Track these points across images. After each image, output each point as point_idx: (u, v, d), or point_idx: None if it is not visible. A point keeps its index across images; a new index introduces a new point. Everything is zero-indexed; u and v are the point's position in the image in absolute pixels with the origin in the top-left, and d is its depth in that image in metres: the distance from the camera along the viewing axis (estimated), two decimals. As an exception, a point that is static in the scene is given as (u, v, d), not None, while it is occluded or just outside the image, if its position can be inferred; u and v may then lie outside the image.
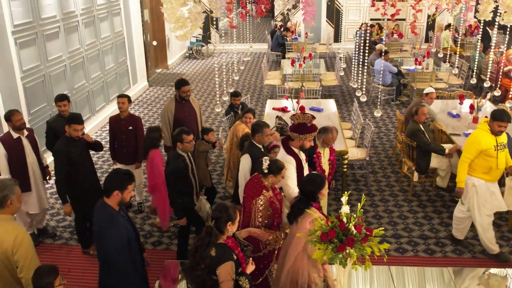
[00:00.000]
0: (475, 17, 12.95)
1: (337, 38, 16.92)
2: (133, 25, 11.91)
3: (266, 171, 4.27)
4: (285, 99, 8.73)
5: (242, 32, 12.82)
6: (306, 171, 4.97)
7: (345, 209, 3.28)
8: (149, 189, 6.07)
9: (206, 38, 16.63)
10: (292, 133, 4.80)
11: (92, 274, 5.20)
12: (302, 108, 7.95)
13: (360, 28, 14.95)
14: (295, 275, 3.96)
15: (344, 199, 3.29)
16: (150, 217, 6.61)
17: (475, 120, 7.53)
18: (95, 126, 9.80)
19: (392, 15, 5.23)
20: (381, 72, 10.40)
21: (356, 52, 13.09)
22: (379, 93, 9.49)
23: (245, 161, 5.19)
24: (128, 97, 6.51)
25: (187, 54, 16.55)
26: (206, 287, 3.51)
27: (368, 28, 14.28)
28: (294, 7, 16.10)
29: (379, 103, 7.03)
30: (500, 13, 4.81)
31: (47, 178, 6.08)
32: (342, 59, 9.48)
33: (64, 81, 8.61)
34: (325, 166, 5.51)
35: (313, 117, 4.84)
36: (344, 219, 3.26)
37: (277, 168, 4.28)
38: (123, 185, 3.73)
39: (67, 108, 6.04)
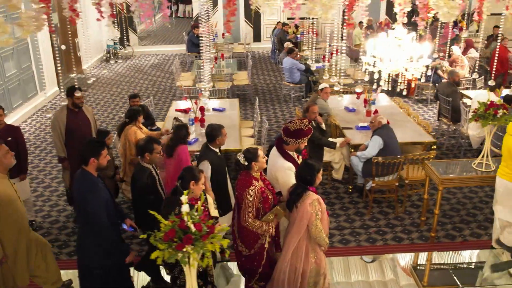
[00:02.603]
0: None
1: (258, 37, 17.10)
2: (38, 29, 11.47)
3: (246, 163, 4.28)
4: (184, 100, 8.68)
5: (162, 34, 12.71)
6: None
7: (185, 208, 3.29)
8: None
9: (123, 40, 16.31)
10: (288, 139, 4.70)
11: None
12: (202, 109, 8.00)
13: (275, 28, 15.21)
14: (294, 261, 4.07)
15: (184, 198, 3.30)
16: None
17: (368, 113, 7.82)
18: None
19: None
20: (289, 70, 10.62)
21: (272, 51, 13.31)
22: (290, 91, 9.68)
23: (205, 168, 5.07)
24: (2, 108, 6.14)
25: (104, 58, 16.17)
26: None
27: (282, 27, 14.56)
28: (213, 7, 16.14)
29: (290, 100, 7.14)
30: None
31: None
32: (262, 58, 9.57)
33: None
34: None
35: (310, 121, 4.77)
36: (185, 218, 3.28)
37: (253, 152, 4.31)
38: (96, 151, 4.17)
39: None
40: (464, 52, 11.68)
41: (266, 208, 4.31)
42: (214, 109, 8.43)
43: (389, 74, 4.56)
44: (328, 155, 7.11)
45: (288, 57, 10.89)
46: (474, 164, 5.84)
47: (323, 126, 7.08)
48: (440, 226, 6.25)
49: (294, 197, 4.09)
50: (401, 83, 4.80)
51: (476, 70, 11.35)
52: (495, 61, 5.90)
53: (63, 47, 6.78)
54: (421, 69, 4.55)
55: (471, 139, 7.91)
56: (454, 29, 15.47)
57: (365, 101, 8.16)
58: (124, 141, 6.45)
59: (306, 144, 4.99)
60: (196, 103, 7.75)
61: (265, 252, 4.41)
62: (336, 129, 7.79)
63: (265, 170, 4.66)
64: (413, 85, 11.12)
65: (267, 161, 4.57)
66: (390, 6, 16.74)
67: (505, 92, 8.35)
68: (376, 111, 7.60)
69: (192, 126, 7.57)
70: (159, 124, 8.24)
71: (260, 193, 4.26)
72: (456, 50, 10.92)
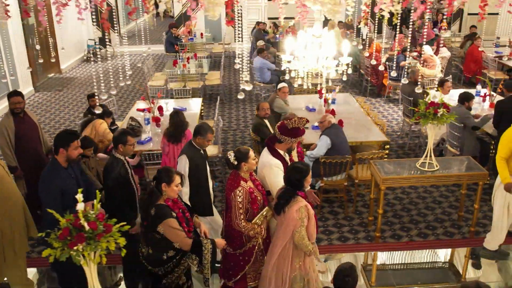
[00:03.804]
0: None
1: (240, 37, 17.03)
2: (11, 29, 11.47)
3: (236, 162, 4.23)
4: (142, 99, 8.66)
5: (146, 34, 12.67)
6: None
7: (80, 206, 3.27)
8: None
9: (104, 40, 16.28)
10: (283, 137, 4.59)
11: None
12: (160, 108, 7.99)
13: (254, 27, 15.18)
14: (280, 265, 4.05)
15: (78, 196, 3.28)
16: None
17: (331, 112, 7.77)
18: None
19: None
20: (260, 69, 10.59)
21: (251, 51, 13.29)
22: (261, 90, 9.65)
23: (182, 163, 4.94)
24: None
25: (85, 58, 16.16)
26: (150, 243, 3.97)
27: (258, 26, 14.53)
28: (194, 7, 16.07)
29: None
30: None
31: None
32: (240, 57, 9.53)
33: None
34: (295, 157, 5.24)
35: (307, 121, 4.69)
36: (80, 216, 3.25)
37: (244, 153, 4.25)
38: (66, 142, 4.27)
39: None
40: (437, 52, 11.64)
41: (254, 209, 4.26)
42: (175, 108, 8.38)
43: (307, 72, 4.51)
44: (282, 155, 7.07)
45: (258, 57, 10.86)
46: (418, 163, 5.80)
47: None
48: (388, 226, 6.22)
49: (282, 201, 4.03)
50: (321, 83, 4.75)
51: (443, 69, 11.35)
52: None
53: (38, 47, 6.74)
54: (342, 68, 4.52)
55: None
56: (434, 29, 15.44)
57: (325, 100, 8.12)
58: (90, 132, 6.52)
59: (297, 144, 4.90)
60: (153, 102, 7.73)
61: (255, 252, 4.39)
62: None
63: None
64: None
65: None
66: (372, 5, 16.68)
67: (452, 92, 8.34)
68: (332, 111, 7.57)
69: (148, 126, 7.57)
70: (118, 123, 8.21)
71: (249, 194, 4.21)
72: (428, 49, 10.86)
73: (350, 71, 4.76)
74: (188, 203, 4.97)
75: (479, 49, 11.55)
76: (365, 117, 7.81)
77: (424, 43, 10.31)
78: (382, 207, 5.79)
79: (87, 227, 3.24)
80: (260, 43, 12.23)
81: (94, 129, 6.65)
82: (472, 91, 8.38)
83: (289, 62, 4.39)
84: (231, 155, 4.26)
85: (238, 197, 4.15)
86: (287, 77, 5.11)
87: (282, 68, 4.58)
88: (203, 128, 5.10)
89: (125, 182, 4.73)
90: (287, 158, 4.76)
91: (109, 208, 4.70)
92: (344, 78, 4.91)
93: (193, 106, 8.62)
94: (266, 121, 6.99)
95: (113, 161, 4.75)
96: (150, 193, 4.03)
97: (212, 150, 7.33)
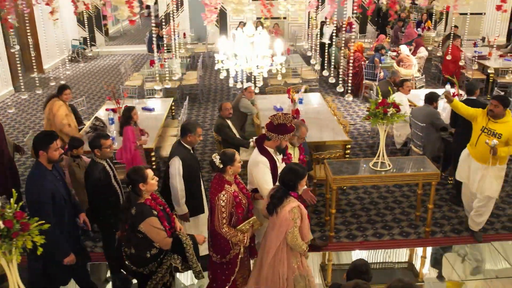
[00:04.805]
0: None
1: (225, 37, 17.06)
2: (-11, 29, 11.52)
3: (221, 165, 4.15)
4: (108, 99, 8.66)
5: (132, 34, 12.71)
6: None
7: (-6, 204, 3.28)
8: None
9: (89, 40, 16.29)
10: (270, 133, 4.55)
11: None
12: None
13: (237, 28, 15.18)
14: (277, 266, 4.01)
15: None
16: None
17: (293, 112, 7.77)
18: None
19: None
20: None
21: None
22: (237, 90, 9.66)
23: (176, 165, 4.88)
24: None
25: (69, 58, 16.18)
26: (132, 244, 3.98)
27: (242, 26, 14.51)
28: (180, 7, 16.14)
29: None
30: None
31: None
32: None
33: None
34: (296, 158, 5.25)
35: (294, 117, 4.65)
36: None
37: (230, 156, 4.16)
38: (44, 144, 4.19)
39: None
40: (415, 52, 11.63)
41: (239, 213, 4.18)
42: (143, 108, 8.42)
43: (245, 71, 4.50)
44: (244, 155, 7.07)
45: (234, 57, 10.85)
46: (371, 163, 5.80)
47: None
48: (345, 226, 6.22)
49: (275, 201, 3.98)
50: (256, 81, 4.75)
51: (420, 69, 11.34)
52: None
53: (17, 47, 6.75)
54: (276, 67, 4.52)
55: (395, 139, 7.87)
56: (418, 29, 15.44)
57: (292, 100, 8.11)
58: (48, 113, 6.73)
59: (287, 142, 4.84)
60: (118, 102, 7.73)
61: (239, 261, 4.30)
62: (259, 128, 7.77)
63: None
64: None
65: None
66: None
67: (413, 92, 8.36)
68: (297, 110, 7.57)
69: (112, 126, 7.57)
70: (87, 123, 8.22)
71: (233, 198, 4.13)
72: (404, 49, 10.86)
73: (284, 70, 4.76)
74: (185, 206, 4.99)
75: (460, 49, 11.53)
76: (330, 117, 7.81)
77: (403, 42, 10.32)
78: (334, 207, 5.77)
79: (2, 225, 3.25)
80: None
81: (52, 111, 6.64)
82: (441, 90, 8.40)
83: (222, 61, 4.39)
84: (216, 158, 4.17)
85: (222, 201, 4.08)
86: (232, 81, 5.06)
87: (216, 68, 4.57)
88: (191, 125, 5.07)
89: (106, 186, 4.68)
90: (278, 157, 4.71)
91: (93, 212, 4.82)
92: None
93: (163, 106, 8.62)
94: (229, 121, 6.98)
95: (93, 166, 4.71)
96: (128, 199, 4.05)
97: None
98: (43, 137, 4.29)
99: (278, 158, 4.73)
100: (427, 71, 13.68)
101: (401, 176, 5.65)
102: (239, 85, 4.88)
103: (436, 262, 5.75)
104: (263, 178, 4.47)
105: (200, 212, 5.23)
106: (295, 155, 5.24)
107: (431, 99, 7.14)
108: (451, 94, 7.41)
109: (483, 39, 14.75)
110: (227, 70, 4.38)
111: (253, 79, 4.70)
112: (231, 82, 4.72)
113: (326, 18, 13.25)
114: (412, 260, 5.90)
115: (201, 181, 5.26)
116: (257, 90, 4.98)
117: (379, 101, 5.41)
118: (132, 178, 3.96)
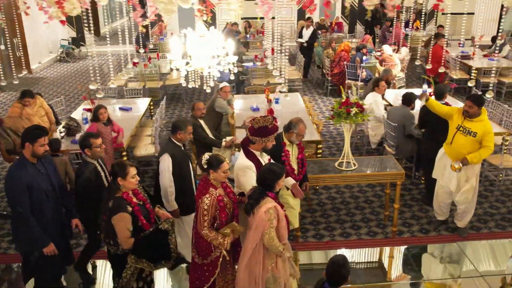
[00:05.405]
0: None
1: (214, 37, 17.09)
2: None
3: (205, 166, 4.12)
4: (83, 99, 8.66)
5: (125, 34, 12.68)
6: None
7: None
8: None
9: (78, 40, 16.35)
10: (254, 138, 4.55)
11: None
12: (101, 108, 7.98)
13: (225, 27, 15.19)
14: (253, 267, 4.01)
15: None
16: None
17: (267, 112, 7.78)
18: None
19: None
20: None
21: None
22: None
23: (165, 161, 4.88)
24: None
25: (58, 58, 16.21)
26: (109, 236, 4.04)
27: (230, 26, 14.53)
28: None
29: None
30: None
31: None
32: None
33: None
34: (294, 164, 5.22)
35: (274, 118, 4.65)
36: None
37: (216, 161, 4.09)
38: (33, 138, 4.23)
39: None
40: (397, 52, 11.61)
41: (222, 218, 4.14)
42: (121, 108, 8.43)
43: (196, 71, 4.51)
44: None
45: (216, 57, 10.85)
46: (336, 163, 5.80)
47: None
48: (313, 226, 6.21)
49: (252, 201, 3.99)
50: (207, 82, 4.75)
51: (403, 69, 11.33)
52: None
53: (2, 47, 6.75)
54: (228, 66, 4.52)
55: (370, 139, 7.87)
56: (406, 29, 15.40)
57: (269, 100, 8.12)
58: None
59: (274, 143, 4.79)
60: (92, 102, 7.74)
61: (219, 263, 4.25)
62: (233, 128, 7.76)
63: None
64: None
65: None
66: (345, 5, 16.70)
67: (388, 92, 8.36)
68: (271, 110, 7.56)
69: (86, 125, 7.57)
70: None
71: (217, 202, 4.09)
72: (387, 49, 10.85)
73: (235, 70, 4.76)
74: (174, 203, 4.98)
75: (445, 48, 11.51)
76: (306, 116, 7.79)
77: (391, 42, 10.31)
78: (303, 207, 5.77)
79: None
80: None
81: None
82: (419, 90, 8.41)
83: (173, 61, 4.40)
84: (205, 157, 4.14)
85: (205, 204, 4.04)
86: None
87: (167, 68, 4.58)
88: (181, 122, 5.08)
89: (96, 186, 4.60)
90: (265, 158, 4.71)
91: (83, 211, 4.74)
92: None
93: (140, 106, 8.63)
94: (202, 121, 6.97)
95: (83, 166, 4.68)
96: (108, 188, 4.14)
97: (148, 149, 7.36)
98: (33, 130, 4.37)
99: (265, 159, 4.73)
100: (413, 70, 13.69)
101: (365, 175, 5.66)
102: (191, 85, 4.87)
103: (403, 262, 5.75)
104: (249, 183, 4.45)
105: (192, 211, 5.14)
106: (293, 153, 5.21)
107: (408, 100, 7.11)
108: (428, 93, 7.42)
109: (472, 39, 14.75)
110: (177, 70, 4.37)
111: (205, 80, 4.69)
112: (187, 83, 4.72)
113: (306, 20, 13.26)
114: (380, 260, 5.90)
115: (193, 179, 5.21)
116: (209, 90, 4.99)
117: (343, 100, 5.40)
118: (114, 170, 4.05)
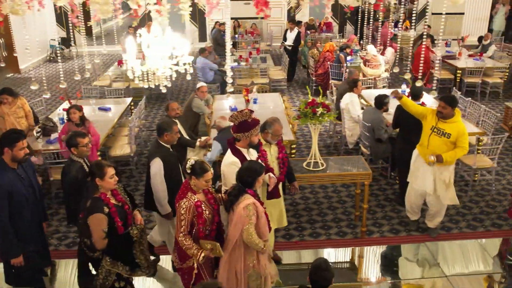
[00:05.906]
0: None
1: (204, 37, 17.11)
2: (-40, 29, 11.55)
3: (188, 171, 4.02)
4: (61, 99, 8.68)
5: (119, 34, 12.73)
6: None
7: None
8: None
9: (67, 40, 16.36)
10: (237, 134, 4.55)
11: None
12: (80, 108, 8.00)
13: (214, 27, 15.21)
14: (233, 263, 4.03)
15: None
16: None
17: (246, 112, 7.79)
18: None
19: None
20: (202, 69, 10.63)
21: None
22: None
23: (157, 165, 4.84)
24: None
25: (48, 58, 16.24)
26: (84, 236, 4.02)
27: (219, 26, 14.54)
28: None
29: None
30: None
31: None
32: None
33: None
34: (273, 164, 5.10)
35: (251, 111, 4.64)
36: None
37: (201, 169, 3.97)
38: (11, 142, 4.17)
39: None
40: (383, 52, 11.62)
41: (200, 224, 3.98)
42: (100, 108, 8.44)
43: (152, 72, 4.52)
44: (191, 154, 7.08)
45: (200, 57, 10.87)
46: (304, 163, 5.80)
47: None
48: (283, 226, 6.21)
49: (231, 198, 4.01)
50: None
51: (388, 69, 11.31)
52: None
53: None
54: (184, 67, 4.53)
55: (347, 139, 7.87)
56: (395, 29, 15.42)
57: (247, 100, 8.13)
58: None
59: (259, 137, 4.82)
60: (70, 102, 7.75)
61: (194, 273, 4.12)
62: (209, 128, 7.77)
63: None
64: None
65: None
66: (335, 6, 16.67)
67: (373, 92, 8.35)
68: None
69: (62, 126, 7.58)
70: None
71: (194, 208, 3.94)
72: (371, 49, 10.84)
73: (191, 70, 4.78)
74: (168, 206, 4.95)
75: (431, 49, 11.52)
76: (283, 117, 7.80)
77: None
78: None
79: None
80: (208, 43, 12.27)
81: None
82: (389, 90, 8.39)
83: (126, 61, 4.41)
84: (190, 162, 4.03)
85: (182, 209, 3.94)
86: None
87: (124, 68, 4.59)
88: (166, 123, 5.07)
89: (83, 186, 4.53)
90: (250, 155, 4.68)
91: (70, 209, 4.72)
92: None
93: (120, 106, 8.64)
94: (176, 121, 6.98)
95: (70, 164, 4.64)
96: (87, 188, 4.11)
97: (124, 149, 7.38)
98: (10, 134, 4.28)
99: (253, 155, 4.72)
100: (401, 72, 13.66)
101: (332, 175, 5.66)
102: (147, 85, 4.88)
103: (372, 263, 5.76)
104: (233, 177, 4.38)
105: None
106: (272, 153, 5.15)
107: (380, 103, 7.08)
108: (405, 93, 7.44)
109: (459, 41, 14.73)
110: (132, 70, 4.38)
111: (162, 80, 4.70)
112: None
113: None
114: (350, 260, 5.91)
115: (183, 180, 5.09)
116: (164, 90, 5.00)
117: (309, 100, 5.41)
118: (92, 170, 4.05)
